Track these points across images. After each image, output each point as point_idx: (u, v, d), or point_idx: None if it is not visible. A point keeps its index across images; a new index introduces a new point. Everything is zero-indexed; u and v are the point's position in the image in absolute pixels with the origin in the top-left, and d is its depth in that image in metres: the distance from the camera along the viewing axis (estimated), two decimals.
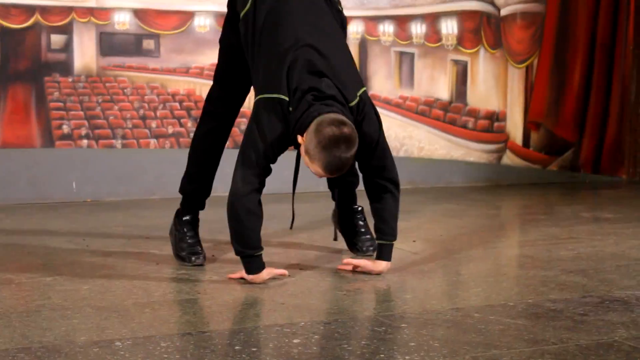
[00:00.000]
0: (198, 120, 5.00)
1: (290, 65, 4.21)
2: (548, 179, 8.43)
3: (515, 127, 8.38)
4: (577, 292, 4.28)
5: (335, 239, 4.97)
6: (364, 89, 4.35)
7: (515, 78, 8.38)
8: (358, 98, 4.26)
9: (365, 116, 4.29)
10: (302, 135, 4.08)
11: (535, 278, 4.67)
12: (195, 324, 3.76)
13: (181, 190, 4.97)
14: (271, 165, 4.31)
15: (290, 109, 4.16)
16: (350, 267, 4.63)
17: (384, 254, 4.55)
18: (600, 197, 7.65)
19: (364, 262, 4.60)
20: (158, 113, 7.49)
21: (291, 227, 4.66)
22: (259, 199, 4.31)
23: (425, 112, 8.25)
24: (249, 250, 4.32)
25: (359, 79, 4.46)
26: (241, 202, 4.26)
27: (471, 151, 8.33)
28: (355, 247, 4.97)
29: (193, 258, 4.79)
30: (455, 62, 8.27)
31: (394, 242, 4.56)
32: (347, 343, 3.44)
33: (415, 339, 3.46)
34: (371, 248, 4.88)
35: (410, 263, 4.88)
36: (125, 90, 7.38)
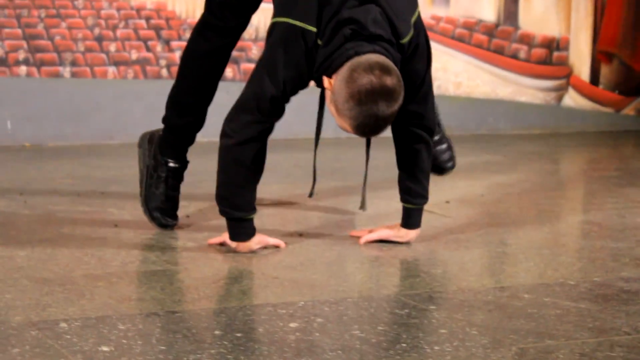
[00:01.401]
0: (193, 33, 4.83)
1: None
2: (622, 126, 8.43)
3: (580, 58, 8.39)
4: None
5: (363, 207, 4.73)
6: (418, 11, 4.30)
7: None
8: (412, 31, 4.21)
9: (417, 50, 4.27)
10: (329, 78, 4.06)
11: (603, 251, 4.69)
12: (163, 301, 3.74)
13: (167, 123, 4.92)
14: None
15: (319, 41, 4.12)
16: (368, 238, 4.62)
17: (413, 220, 4.59)
18: None
19: (386, 232, 4.61)
20: (118, 33, 7.50)
21: (311, 195, 4.60)
22: (259, 149, 4.29)
23: (465, 37, 8.27)
24: (237, 211, 4.34)
25: (416, 8, 4.33)
26: (232, 151, 4.27)
27: (523, 88, 8.34)
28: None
29: (169, 220, 4.80)
30: None
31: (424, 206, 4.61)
32: (359, 329, 3.41)
33: (447, 324, 3.45)
34: (449, 164, 4.98)
35: (442, 230, 4.91)
36: (75, 3, 7.39)
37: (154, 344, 3.12)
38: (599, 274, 4.22)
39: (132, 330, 3.25)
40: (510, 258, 4.62)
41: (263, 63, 4.24)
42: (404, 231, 4.58)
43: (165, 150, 4.81)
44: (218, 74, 4.76)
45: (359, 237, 4.64)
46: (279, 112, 4.23)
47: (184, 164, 4.86)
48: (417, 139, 4.46)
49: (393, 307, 3.73)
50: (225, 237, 4.38)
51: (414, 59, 4.24)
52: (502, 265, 4.52)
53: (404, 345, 3.18)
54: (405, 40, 4.15)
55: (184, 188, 5.27)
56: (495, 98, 8.22)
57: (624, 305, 3.71)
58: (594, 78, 8.47)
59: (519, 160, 7.05)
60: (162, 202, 4.80)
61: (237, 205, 4.33)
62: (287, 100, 4.23)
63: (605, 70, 8.48)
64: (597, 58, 8.44)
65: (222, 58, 4.74)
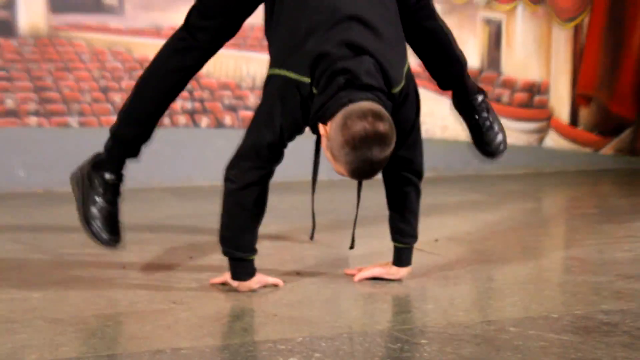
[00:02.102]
0: (165, 48, 4.69)
1: (323, 38, 4.11)
2: (601, 165, 8.44)
3: (560, 101, 8.42)
4: (636, 302, 4.31)
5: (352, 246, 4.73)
6: (408, 63, 4.32)
7: (561, 41, 8.43)
8: (403, 82, 4.22)
9: (407, 99, 4.29)
10: (325, 125, 4.04)
11: (584, 285, 4.69)
12: (169, 339, 3.75)
13: (117, 134, 4.79)
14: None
15: (314, 90, 4.11)
16: (361, 275, 4.62)
17: (404, 258, 4.59)
18: None
19: (378, 270, 4.62)
20: (123, 84, 7.52)
21: (312, 238, 4.58)
22: (259, 193, 4.30)
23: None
24: (239, 252, 4.34)
25: (405, 52, 4.37)
26: (236, 195, 4.29)
27: (507, 132, 8.36)
28: (484, 150, 5.00)
29: (111, 237, 4.68)
30: (488, 21, 8.32)
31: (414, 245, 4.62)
32: None
33: (438, 358, 3.45)
34: (501, 147, 4.99)
35: (432, 267, 4.90)
36: (82, 56, 7.42)
37: None
38: (580, 307, 4.23)
39: None
40: (497, 293, 4.63)
41: (261, 113, 4.24)
42: (395, 269, 4.58)
43: (103, 165, 4.74)
44: (179, 91, 4.71)
45: (353, 275, 4.63)
46: (277, 158, 4.25)
47: (120, 178, 4.77)
48: (406, 182, 4.49)
49: (386, 341, 3.74)
50: (227, 276, 4.40)
51: (405, 107, 4.26)
52: (489, 300, 4.52)
53: None
54: (397, 89, 4.16)
55: (186, 231, 5.28)
56: None
57: (604, 337, 3.72)
58: (574, 120, 8.50)
59: (503, 199, 7.07)
60: (103, 218, 4.67)
61: (239, 247, 4.33)
62: (285, 146, 4.24)
63: (584, 112, 8.51)
64: (577, 101, 8.47)
65: (188, 77, 4.67)
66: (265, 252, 4.47)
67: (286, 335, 3.75)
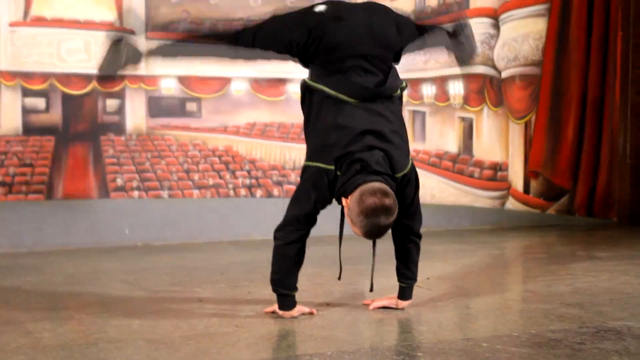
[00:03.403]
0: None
1: (347, 146, 4.11)
2: (546, 222, 8.40)
3: (516, 176, 8.38)
4: (575, 323, 4.27)
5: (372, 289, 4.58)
6: (411, 162, 4.30)
7: (516, 132, 8.40)
8: (407, 169, 4.22)
9: (409, 182, 4.26)
10: (346, 198, 4.05)
11: (537, 311, 4.65)
12: (233, 354, 3.74)
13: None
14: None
15: (338, 172, 4.11)
16: (375, 305, 4.60)
17: (406, 294, 4.57)
18: (594, 237, 7.63)
19: (387, 301, 4.58)
20: (200, 167, 7.53)
21: (339, 278, 4.56)
22: (299, 248, 4.29)
23: (436, 163, 8.26)
24: (284, 290, 4.35)
25: (408, 152, 4.32)
26: (283, 249, 4.29)
27: (477, 198, 8.33)
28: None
29: None
30: (462, 119, 8.30)
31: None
32: None
33: None
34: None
35: (425, 298, 4.83)
36: (171, 147, 7.43)
37: None
38: (534, 328, 4.19)
39: None
40: (473, 317, 4.60)
41: (300, 191, 4.27)
42: (400, 302, 4.55)
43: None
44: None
45: (369, 304, 4.61)
46: (312, 222, 4.27)
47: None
48: (409, 241, 4.49)
49: (393, 354, 3.70)
50: (275, 307, 4.37)
51: (407, 188, 4.27)
52: (467, 323, 4.48)
53: None
54: (400, 174, 4.17)
55: (245, 273, 5.25)
56: (459, 204, 8.22)
57: (552, 350, 3.70)
58: (526, 189, 8.46)
59: (476, 247, 7.03)
60: None
61: (284, 286, 4.34)
62: (318, 213, 4.25)
63: (533, 184, 8.47)
64: (528, 175, 8.43)
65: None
66: (303, 288, 4.44)
67: (319, 351, 3.73)
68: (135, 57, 4.55)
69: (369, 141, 4.09)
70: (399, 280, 4.55)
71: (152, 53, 4.65)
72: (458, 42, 4.82)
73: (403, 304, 4.56)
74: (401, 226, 4.35)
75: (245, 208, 7.54)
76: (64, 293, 5.18)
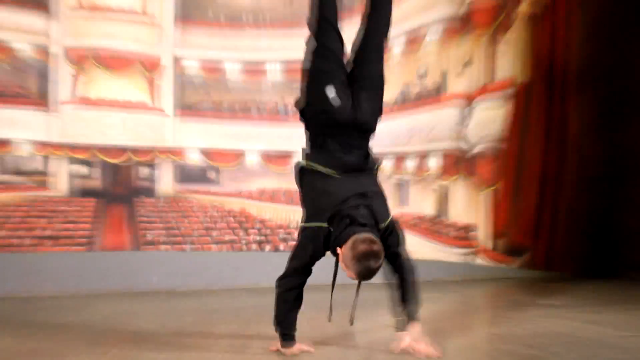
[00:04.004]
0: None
1: (337, 206, 4.18)
2: (511, 275, 8.37)
3: (485, 235, 8.40)
4: None
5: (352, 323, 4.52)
6: (391, 217, 4.32)
7: (485, 199, 8.43)
8: (388, 222, 4.27)
9: (391, 233, 4.28)
10: (340, 247, 4.09)
11: (500, 351, 4.64)
12: None
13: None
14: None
15: (331, 229, 4.16)
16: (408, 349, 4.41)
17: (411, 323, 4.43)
18: (551, 288, 7.61)
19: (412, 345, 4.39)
20: (218, 225, 7.57)
21: (329, 320, 4.50)
22: (298, 294, 4.33)
23: (418, 224, 8.31)
24: (285, 330, 4.38)
25: (389, 210, 4.34)
26: (283, 295, 4.34)
27: (451, 254, 8.33)
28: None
29: None
30: (440, 186, 8.35)
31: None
32: None
33: None
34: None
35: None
36: (193, 208, 7.48)
37: None
38: None
39: None
40: (446, 357, 4.59)
41: (299, 247, 4.30)
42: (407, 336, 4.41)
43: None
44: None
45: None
46: (308, 273, 4.32)
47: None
48: (405, 278, 4.42)
49: None
50: (278, 345, 4.39)
51: (390, 237, 4.29)
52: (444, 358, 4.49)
53: None
54: (382, 226, 4.22)
55: (256, 317, 5.24)
56: (436, 259, 8.23)
57: None
58: (494, 247, 8.47)
59: (449, 296, 7.01)
60: None
61: (285, 327, 4.37)
62: (313, 265, 4.29)
63: (499, 242, 8.49)
64: (494, 235, 8.46)
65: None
66: (302, 327, 4.44)
67: None
68: None
69: (354, 201, 4.20)
70: (407, 310, 4.40)
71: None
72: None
73: (416, 337, 4.38)
74: (397, 269, 4.37)
75: (255, 260, 7.54)
76: (101, 330, 5.18)
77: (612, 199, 8.63)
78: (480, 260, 8.37)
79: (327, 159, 4.32)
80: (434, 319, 5.64)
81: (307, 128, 4.47)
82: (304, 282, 4.33)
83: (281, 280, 4.33)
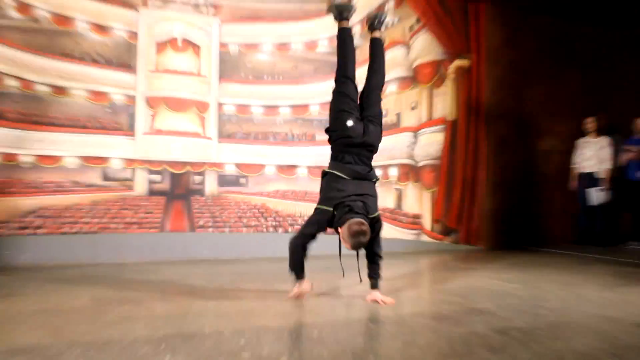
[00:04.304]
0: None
1: (341, 199, 4.18)
2: (444, 248, 8.37)
3: (427, 221, 8.39)
4: (458, 306, 4.27)
5: (343, 275, 4.60)
6: (378, 212, 4.33)
7: (427, 197, 8.42)
8: (375, 215, 4.26)
9: (376, 223, 4.28)
10: (340, 227, 4.10)
11: (437, 299, 4.64)
12: (264, 321, 3.68)
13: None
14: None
15: (335, 212, 4.16)
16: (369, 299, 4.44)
17: (376, 285, 4.47)
18: (471, 257, 7.62)
19: (373, 297, 4.42)
20: (247, 214, 7.54)
21: (344, 275, 4.52)
22: (304, 247, 4.27)
23: (382, 213, 8.26)
24: (297, 272, 4.36)
25: (377, 208, 4.33)
26: (294, 249, 4.29)
27: (405, 234, 8.31)
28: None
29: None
30: (396, 189, 8.33)
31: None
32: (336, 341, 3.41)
33: (389, 329, 3.43)
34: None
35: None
36: (230, 204, 7.46)
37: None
38: (435, 308, 4.19)
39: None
40: (401, 303, 4.51)
41: (311, 219, 4.29)
42: (373, 292, 4.44)
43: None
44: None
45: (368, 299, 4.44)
46: (313, 237, 4.26)
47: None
48: (375, 256, 4.44)
49: (354, 323, 3.70)
50: (293, 292, 4.37)
51: (376, 224, 4.28)
52: (398, 306, 4.37)
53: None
54: (371, 216, 4.20)
55: (271, 276, 5.17)
56: (395, 238, 8.20)
57: (445, 320, 3.71)
58: (433, 228, 8.44)
59: (403, 263, 6.99)
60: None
61: (297, 270, 4.37)
62: (317, 232, 4.24)
63: (437, 226, 8.46)
64: (433, 222, 8.43)
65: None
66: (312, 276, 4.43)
67: (315, 320, 3.72)
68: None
69: (354, 197, 4.19)
70: (370, 277, 4.46)
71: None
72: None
73: (376, 294, 4.41)
74: (371, 251, 4.40)
75: (272, 239, 7.54)
76: (168, 286, 5.17)
77: (516, 195, 8.64)
78: (424, 238, 8.34)
79: (342, 167, 4.35)
80: (393, 278, 5.65)
81: (332, 146, 4.51)
82: (309, 242, 4.29)
83: (294, 239, 4.31)
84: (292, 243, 4.30)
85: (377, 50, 4.62)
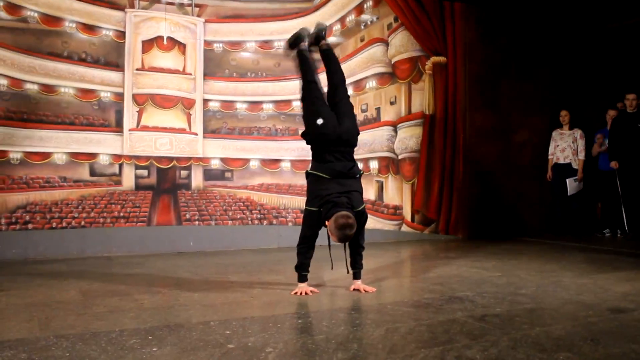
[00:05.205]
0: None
1: (327, 196, 4.13)
2: (424, 238, 8.38)
3: (407, 212, 8.38)
4: (437, 294, 4.26)
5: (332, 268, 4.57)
6: (363, 205, 4.29)
7: (407, 189, 8.41)
8: (361, 208, 4.22)
9: (361, 216, 4.24)
10: (328, 221, 4.04)
11: (417, 287, 4.62)
12: (250, 312, 3.66)
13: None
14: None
15: (322, 210, 4.11)
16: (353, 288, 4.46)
17: (358, 276, 4.48)
18: (449, 246, 7.64)
19: (357, 286, 4.44)
20: (232, 208, 7.50)
21: (332, 268, 4.50)
22: (308, 249, 4.27)
23: (366, 207, 8.28)
24: (300, 272, 4.33)
25: (362, 201, 4.30)
26: (301, 251, 4.29)
27: (386, 225, 8.31)
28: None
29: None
30: (377, 181, 8.32)
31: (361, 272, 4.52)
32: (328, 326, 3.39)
33: (370, 316, 3.41)
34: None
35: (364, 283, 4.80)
36: (216, 197, 7.40)
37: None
38: (415, 296, 4.18)
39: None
40: (382, 291, 4.51)
41: (304, 223, 4.26)
42: (356, 282, 4.46)
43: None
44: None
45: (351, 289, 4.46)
46: (314, 237, 4.26)
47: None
48: (358, 247, 4.42)
49: (337, 312, 3.67)
50: (297, 290, 4.31)
51: (361, 218, 4.23)
52: (379, 294, 4.38)
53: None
54: (357, 209, 4.14)
55: (256, 267, 5.16)
56: (377, 228, 8.18)
57: (425, 309, 3.70)
58: (413, 219, 8.45)
59: (384, 252, 7.00)
60: None
61: (301, 270, 4.33)
62: (315, 231, 4.25)
63: (417, 216, 8.46)
64: (413, 212, 8.43)
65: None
66: (310, 277, 4.41)
67: (298, 311, 3.70)
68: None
69: (337, 195, 4.14)
70: (353, 268, 4.47)
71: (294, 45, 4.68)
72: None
73: (358, 283, 4.44)
74: (355, 242, 4.35)
75: (256, 231, 7.49)
76: (155, 278, 5.13)
77: (493, 186, 8.66)
78: (405, 228, 8.33)
79: (322, 167, 4.29)
80: (375, 268, 5.65)
81: (311, 147, 4.45)
82: (311, 241, 4.27)
83: (298, 245, 4.30)
84: (297, 247, 4.32)
85: (328, 55, 4.64)
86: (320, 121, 4.33)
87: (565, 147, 8.70)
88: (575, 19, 9.33)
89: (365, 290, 4.35)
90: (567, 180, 8.57)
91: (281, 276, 5.01)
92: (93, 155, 6.84)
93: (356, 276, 4.47)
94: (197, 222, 7.24)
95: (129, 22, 7.08)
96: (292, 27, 7.93)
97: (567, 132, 8.74)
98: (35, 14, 6.67)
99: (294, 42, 4.66)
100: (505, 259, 6.24)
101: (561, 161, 8.71)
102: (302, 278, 4.34)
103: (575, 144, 8.67)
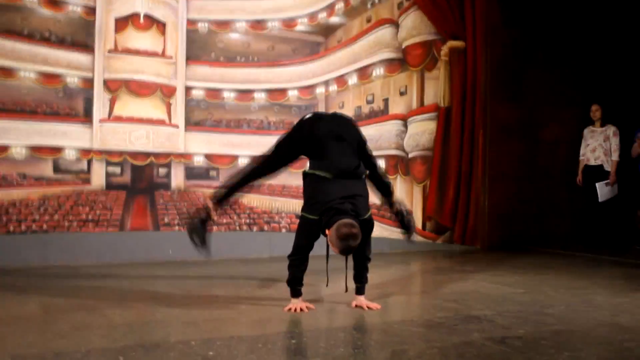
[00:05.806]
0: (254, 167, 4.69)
1: (328, 203, 4.12)
2: (436, 248, 8.40)
3: (417, 218, 8.38)
4: (452, 312, 4.28)
5: (327, 285, 4.58)
6: (370, 212, 4.27)
7: (418, 192, 8.44)
8: (367, 216, 4.20)
9: (367, 224, 4.21)
10: (329, 230, 4.04)
11: (428, 304, 4.64)
12: (236, 330, 3.68)
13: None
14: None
15: (323, 218, 4.10)
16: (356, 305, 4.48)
17: (361, 291, 4.48)
18: (465, 258, 7.66)
19: (360, 303, 4.46)
20: (217, 211, 7.51)
21: (327, 285, 4.51)
22: (301, 261, 4.28)
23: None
24: (293, 286, 4.34)
25: (369, 207, 4.28)
26: (293, 263, 4.30)
27: (394, 233, 8.29)
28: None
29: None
30: None
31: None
32: (329, 345, 3.39)
33: (374, 337, 3.42)
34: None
35: (370, 298, 4.80)
36: (199, 198, 7.40)
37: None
38: (427, 315, 4.20)
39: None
40: (389, 308, 4.53)
41: (299, 231, 4.27)
42: (359, 299, 4.48)
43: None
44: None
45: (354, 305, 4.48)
46: (309, 248, 4.26)
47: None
48: (363, 259, 4.42)
49: (337, 332, 3.69)
50: (290, 306, 4.32)
51: (367, 227, 4.21)
52: (385, 312, 4.40)
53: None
54: (362, 217, 4.12)
55: (245, 280, 5.16)
56: (383, 237, 8.17)
57: (437, 329, 3.71)
58: (424, 227, 8.47)
59: (392, 265, 7.02)
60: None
61: (293, 285, 4.34)
62: (310, 242, 4.25)
63: (428, 224, 8.49)
64: (425, 219, 8.46)
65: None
66: (305, 291, 4.41)
67: (291, 329, 3.71)
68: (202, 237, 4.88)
69: (340, 200, 4.13)
70: (356, 282, 4.48)
71: (215, 198, 4.91)
72: (405, 220, 4.83)
73: (361, 299, 4.46)
74: (360, 253, 4.35)
75: (245, 238, 7.50)
76: (129, 291, 5.13)
77: (516, 190, 8.68)
78: (415, 238, 8.34)
79: (323, 164, 4.29)
80: (381, 282, 5.66)
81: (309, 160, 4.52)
82: (305, 252, 4.28)
83: (289, 255, 4.32)
84: (288, 258, 4.33)
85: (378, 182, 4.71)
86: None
87: (596, 146, 8.43)
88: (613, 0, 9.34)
89: (368, 307, 4.36)
90: (597, 184, 8.31)
91: (272, 290, 5.02)
92: (57, 150, 6.84)
93: (359, 291, 4.46)
94: (177, 227, 7.25)
95: None
96: (287, 5, 7.95)
97: (599, 130, 8.46)
98: None
99: (199, 229, 4.92)
100: (529, 273, 6.25)
101: (591, 162, 8.45)
102: (296, 293, 4.33)
103: (608, 142, 8.38)
